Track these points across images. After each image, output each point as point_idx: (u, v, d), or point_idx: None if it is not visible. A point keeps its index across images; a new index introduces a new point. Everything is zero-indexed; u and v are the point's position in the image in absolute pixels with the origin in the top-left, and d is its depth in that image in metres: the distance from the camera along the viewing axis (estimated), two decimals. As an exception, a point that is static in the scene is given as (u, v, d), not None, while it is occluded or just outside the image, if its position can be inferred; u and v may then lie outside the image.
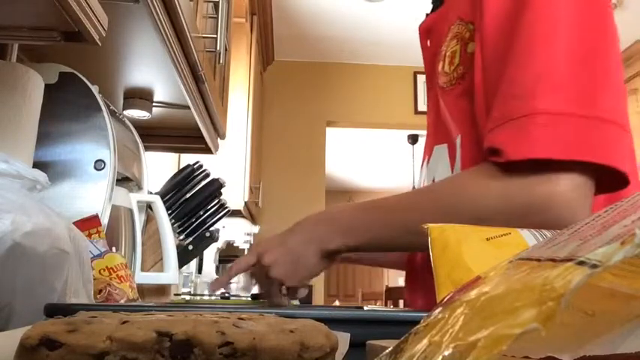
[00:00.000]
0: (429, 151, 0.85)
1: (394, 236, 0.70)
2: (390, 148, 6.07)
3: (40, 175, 0.52)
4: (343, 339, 0.29)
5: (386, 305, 4.46)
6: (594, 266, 0.15)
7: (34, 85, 0.79)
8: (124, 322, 0.24)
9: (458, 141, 0.75)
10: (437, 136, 0.83)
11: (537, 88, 0.62)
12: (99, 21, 0.63)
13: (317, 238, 0.75)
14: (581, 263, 0.16)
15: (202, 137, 1.47)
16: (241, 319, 0.25)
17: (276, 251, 0.76)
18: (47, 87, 0.83)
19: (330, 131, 4.53)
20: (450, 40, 0.78)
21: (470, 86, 0.72)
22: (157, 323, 0.24)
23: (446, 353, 0.16)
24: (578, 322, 0.18)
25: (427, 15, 0.92)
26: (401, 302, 4.46)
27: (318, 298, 4.24)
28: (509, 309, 0.16)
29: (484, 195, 0.64)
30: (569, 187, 0.60)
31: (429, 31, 0.90)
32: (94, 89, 1.00)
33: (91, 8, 0.61)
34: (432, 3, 0.92)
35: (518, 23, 0.65)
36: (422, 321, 0.21)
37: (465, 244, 0.48)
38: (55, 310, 0.34)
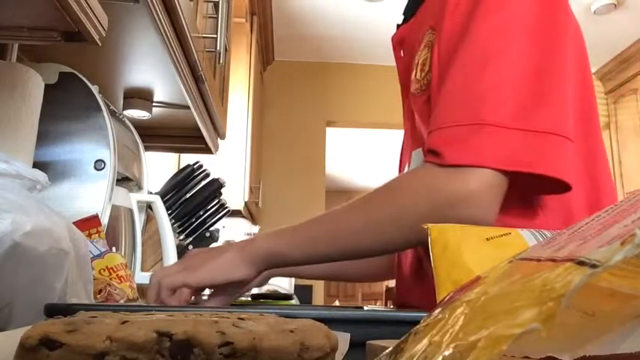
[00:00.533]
0: (407, 157, 0.88)
1: (318, 236, 0.73)
2: (390, 148, 6.07)
3: (40, 175, 0.52)
4: (343, 339, 0.29)
5: (386, 305, 4.46)
6: (594, 266, 0.15)
7: (34, 85, 0.79)
8: (124, 322, 0.24)
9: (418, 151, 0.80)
10: (414, 141, 0.86)
11: (487, 99, 0.66)
12: (99, 21, 0.63)
13: (237, 244, 0.77)
14: (581, 263, 0.16)
15: (202, 137, 1.47)
16: (241, 319, 0.25)
17: (182, 264, 0.78)
18: (47, 87, 0.83)
19: (330, 131, 4.53)
20: (422, 49, 0.81)
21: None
22: (157, 323, 0.24)
23: (446, 353, 0.16)
24: (578, 322, 0.18)
25: (398, 26, 0.95)
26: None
27: (318, 298, 4.24)
28: (510, 309, 0.16)
29: (409, 188, 0.70)
30: (482, 186, 0.65)
31: (401, 42, 0.93)
32: (94, 89, 1.00)
33: (91, 8, 0.61)
34: (404, 14, 0.96)
35: (473, 33, 0.69)
36: (422, 321, 0.21)
37: (464, 244, 0.49)
38: (54, 310, 0.34)
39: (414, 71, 0.82)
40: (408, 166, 0.87)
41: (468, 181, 0.65)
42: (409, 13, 0.94)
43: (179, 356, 0.23)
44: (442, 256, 0.49)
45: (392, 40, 0.95)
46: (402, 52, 0.93)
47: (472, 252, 0.48)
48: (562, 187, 0.67)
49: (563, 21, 0.72)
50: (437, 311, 0.20)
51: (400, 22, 0.96)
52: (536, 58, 0.68)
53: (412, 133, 0.87)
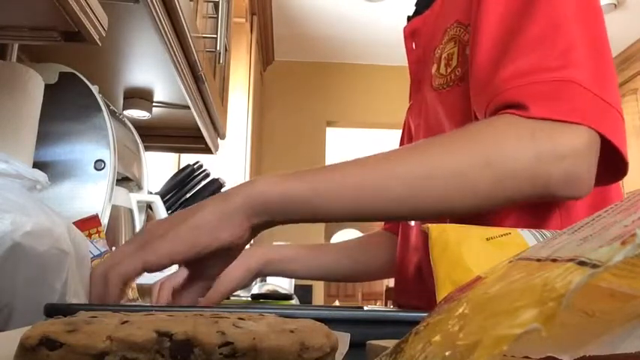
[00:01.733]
0: None
1: (366, 184, 0.56)
2: (390, 148, 6.07)
3: (40, 175, 0.52)
4: (343, 339, 0.29)
5: (386, 305, 4.46)
6: (595, 266, 0.15)
7: (34, 85, 0.79)
8: (124, 322, 0.24)
9: None
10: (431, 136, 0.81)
11: (569, 58, 0.61)
12: (99, 21, 0.63)
13: (221, 194, 0.57)
14: (581, 263, 0.16)
15: (202, 137, 1.47)
16: (241, 319, 0.25)
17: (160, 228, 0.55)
18: (47, 87, 0.83)
19: (330, 131, 4.53)
20: (446, 42, 0.78)
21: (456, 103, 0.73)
22: (157, 323, 0.24)
23: (446, 353, 0.16)
24: (578, 322, 0.18)
25: (409, 18, 0.92)
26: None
27: (318, 298, 4.24)
28: (510, 309, 0.16)
29: (508, 137, 0.59)
30: (586, 143, 0.59)
31: (414, 34, 0.90)
32: (94, 89, 1.00)
33: (91, 8, 0.61)
34: (416, 5, 0.93)
35: (531, 14, 0.65)
36: (422, 321, 0.21)
37: (465, 244, 0.49)
38: (54, 310, 0.34)
39: (436, 65, 0.79)
40: None
41: (572, 135, 0.58)
42: (423, 4, 0.90)
43: (179, 356, 0.23)
44: (442, 256, 0.49)
45: (404, 31, 0.92)
46: (413, 44, 0.90)
47: (472, 252, 0.48)
48: (618, 171, 0.63)
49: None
50: (437, 311, 0.21)
51: (411, 13, 0.93)
52: (600, 28, 0.66)
53: (427, 131, 0.82)
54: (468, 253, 0.48)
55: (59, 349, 0.22)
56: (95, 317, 0.25)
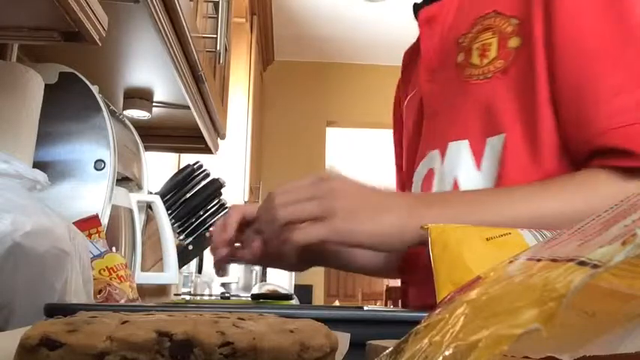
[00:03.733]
0: (443, 148, 0.76)
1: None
2: (390, 148, 6.07)
3: (40, 175, 0.52)
4: (343, 339, 0.29)
5: (386, 305, 4.46)
6: (595, 266, 0.15)
7: (34, 85, 0.79)
8: (124, 322, 0.24)
9: (498, 139, 0.70)
10: (452, 131, 0.75)
11: None
12: (99, 21, 0.63)
13: (401, 199, 0.64)
14: (582, 263, 0.16)
15: (202, 137, 1.47)
16: (241, 319, 0.25)
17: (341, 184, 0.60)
18: (47, 87, 0.83)
19: (330, 131, 4.53)
20: (478, 32, 0.74)
21: (519, 81, 0.68)
22: (157, 323, 0.24)
23: (446, 353, 0.16)
24: (579, 322, 0.18)
25: (420, 4, 0.86)
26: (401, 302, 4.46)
27: (318, 298, 4.24)
28: (510, 309, 0.16)
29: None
30: None
31: (430, 20, 0.84)
32: (94, 89, 1.00)
33: (91, 8, 0.61)
34: None
35: (621, 27, 0.63)
36: (422, 321, 0.21)
37: (465, 245, 0.49)
38: (54, 310, 0.34)
39: (464, 54, 0.75)
40: (441, 157, 0.76)
41: None
42: None
43: (179, 356, 0.23)
44: (442, 257, 0.49)
45: (419, 17, 0.85)
46: (428, 30, 0.83)
47: (472, 252, 0.48)
48: None
49: None
50: (437, 311, 0.21)
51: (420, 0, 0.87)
52: None
53: (448, 123, 0.76)
54: (468, 253, 0.48)
55: (59, 349, 0.22)
56: (95, 317, 0.25)
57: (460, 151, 0.73)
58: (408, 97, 0.90)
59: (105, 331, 0.23)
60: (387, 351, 0.21)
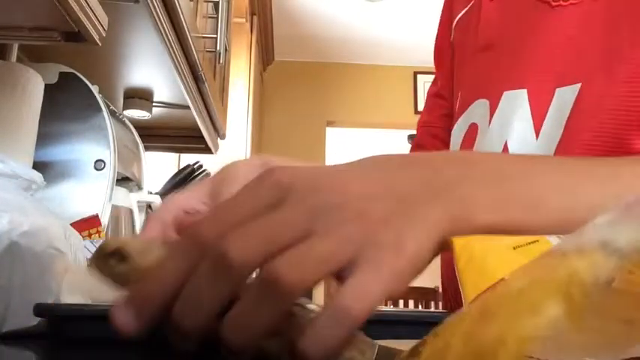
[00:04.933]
0: (496, 98, 0.56)
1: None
2: (390, 148, 6.07)
3: (36, 175, 0.52)
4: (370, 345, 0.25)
5: (386, 305, 4.46)
6: (620, 251, 0.15)
7: (34, 85, 0.79)
8: None
9: (571, 90, 0.50)
10: (512, 75, 0.55)
11: None
12: (99, 21, 0.63)
13: (436, 185, 0.30)
14: (607, 247, 0.15)
15: (202, 137, 1.47)
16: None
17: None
18: (47, 87, 0.83)
19: (330, 131, 4.53)
20: None
21: (617, 10, 0.49)
22: None
23: (466, 354, 0.16)
24: (617, 330, 0.17)
25: None
26: (401, 302, 4.46)
27: (318, 298, 4.24)
28: (534, 304, 0.15)
29: None
30: None
31: None
32: (94, 89, 1.00)
33: (91, 8, 0.61)
34: None
35: None
36: (442, 323, 0.20)
37: (491, 255, 0.45)
38: (44, 310, 0.34)
39: None
40: (490, 110, 0.57)
41: None
42: None
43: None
44: (468, 268, 0.45)
45: None
46: None
47: (499, 262, 0.43)
48: None
49: None
50: (457, 313, 0.20)
51: None
52: None
53: (503, 69, 0.57)
54: (494, 263, 0.44)
55: (125, 262, 0.25)
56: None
57: (517, 101, 0.54)
58: (459, 15, 0.67)
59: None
60: (405, 353, 0.20)
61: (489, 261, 0.45)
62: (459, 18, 0.67)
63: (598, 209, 0.20)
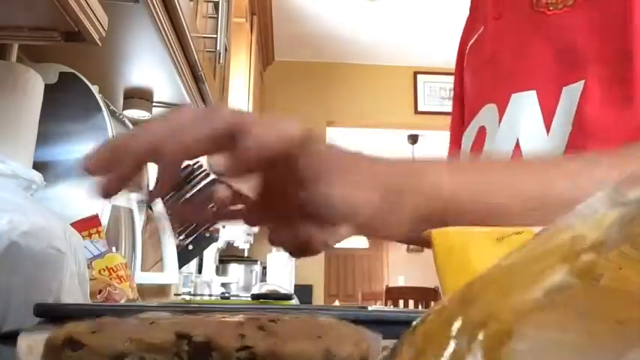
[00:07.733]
0: (504, 101, 0.60)
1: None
2: (390, 148, 6.07)
3: (36, 175, 0.52)
4: (375, 342, 0.26)
5: (386, 305, 4.46)
6: (629, 204, 0.14)
7: (34, 85, 0.79)
8: (152, 323, 0.24)
9: (577, 87, 0.54)
10: (518, 79, 0.60)
11: None
12: (99, 21, 0.63)
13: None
14: (616, 202, 0.14)
15: (202, 137, 1.46)
16: (273, 320, 0.25)
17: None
18: (47, 87, 0.83)
19: (330, 131, 4.53)
20: None
21: (608, 10, 0.53)
22: (182, 324, 0.23)
23: (453, 333, 0.14)
24: (610, 330, 0.15)
25: None
26: (401, 302, 4.46)
27: (318, 298, 4.24)
28: (532, 275, 0.14)
29: None
30: None
31: None
32: (94, 89, 1.00)
33: (91, 8, 0.61)
34: None
35: None
36: (417, 319, 0.19)
37: (472, 248, 0.42)
38: (44, 310, 0.34)
39: None
40: (499, 112, 0.61)
41: None
42: None
43: (197, 359, 0.22)
44: (447, 263, 0.43)
45: None
46: None
47: (481, 255, 0.41)
48: None
49: None
50: (434, 306, 0.19)
51: None
52: None
53: (510, 72, 0.61)
54: (476, 256, 0.41)
55: (80, 350, 0.23)
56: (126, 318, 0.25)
57: (526, 103, 0.58)
58: (471, 42, 0.73)
59: (128, 332, 0.23)
60: (384, 353, 0.20)
61: (471, 255, 0.42)
62: (471, 45, 0.73)
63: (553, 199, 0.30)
